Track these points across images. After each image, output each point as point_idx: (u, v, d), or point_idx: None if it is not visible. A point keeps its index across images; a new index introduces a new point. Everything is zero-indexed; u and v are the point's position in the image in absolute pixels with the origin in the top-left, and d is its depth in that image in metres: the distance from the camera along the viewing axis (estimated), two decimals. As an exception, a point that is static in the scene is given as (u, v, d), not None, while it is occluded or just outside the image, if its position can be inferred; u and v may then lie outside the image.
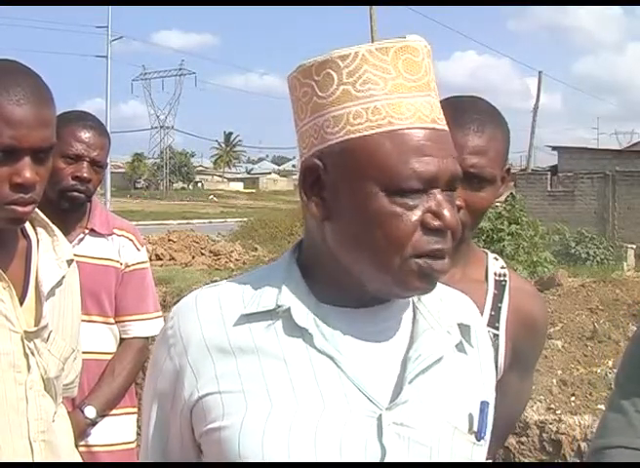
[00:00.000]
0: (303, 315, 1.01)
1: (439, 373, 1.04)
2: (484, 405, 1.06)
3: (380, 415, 0.98)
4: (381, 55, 0.99)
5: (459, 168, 1.00)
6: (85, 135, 2.29)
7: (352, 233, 1.00)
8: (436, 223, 0.97)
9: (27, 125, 1.40)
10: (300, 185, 1.03)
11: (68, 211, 2.30)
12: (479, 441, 1.04)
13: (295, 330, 1.00)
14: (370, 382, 1.00)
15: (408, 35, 1.01)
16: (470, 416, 1.05)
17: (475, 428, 1.04)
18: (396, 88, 0.98)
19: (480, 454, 1.05)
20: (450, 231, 0.98)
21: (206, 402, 1.00)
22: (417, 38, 1.01)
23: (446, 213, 0.97)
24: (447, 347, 1.06)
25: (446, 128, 1.01)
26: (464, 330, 1.09)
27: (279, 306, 1.01)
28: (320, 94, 1.01)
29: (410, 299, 1.08)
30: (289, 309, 1.01)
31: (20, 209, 1.42)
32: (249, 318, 1.02)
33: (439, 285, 1.13)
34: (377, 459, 0.97)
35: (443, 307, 1.09)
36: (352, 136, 0.98)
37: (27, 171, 1.40)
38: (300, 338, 1.00)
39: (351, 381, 0.99)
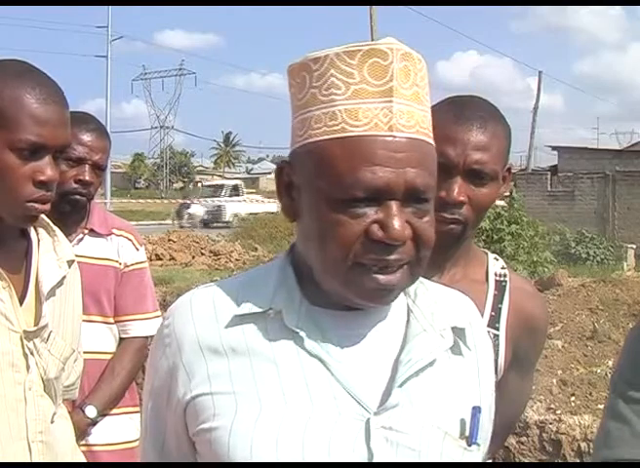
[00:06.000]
0: (294, 318, 1.00)
1: (431, 377, 1.03)
2: (476, 410, 1.05)
3: (369, 419, 0.98)
4: (348, 58, 0.97)
5: (421, 179, 0.96)
6: (87, 138, 2.29)
7: (307, 236, 1.01)
8: (379, 234, 0.95)
9: (53, 124, 1.43)
10: (276, 185, 1.05)
11: (69, 212, 2.30)
12: (470, 446, 1.03)
13: (286, 332, 1.00)
14: (360, 385, 0.99)
15: (385, 38, 0.99)
16: (462, 421, 1.03)
17: (467, 433, 1.03)
18: (357, 93, 0.97)
19: (472, 459, 1.04)
20: (399, 243, 0.95)
21: (198, 402, 1.00)
22: (390, 41, 0.98)
23: (394, 224, 0.94)
24: (439, 351, 1.05)
25: (414, 135, 0.97)
26: (459, 333, 1.08)
27: (271, 308, 1.01)
28: (298, 96, 1.02)
29: (404, 302, 1.08)
30: (280, 311, 1.01)
31: (39, 206, 1.45)
32: (242, 319, 1.02)
33: (436, 286, 1.13)
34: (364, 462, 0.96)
35: (437, 310, 1.08)
36: (310, 140, 0.99)
37: (50, 169, 1.43)
38: (291, 341, 1.00)
39: (341, 384, 0.98)
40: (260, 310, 1.01)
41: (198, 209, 31.39)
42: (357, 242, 0.95)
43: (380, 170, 0.94)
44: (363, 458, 0.97)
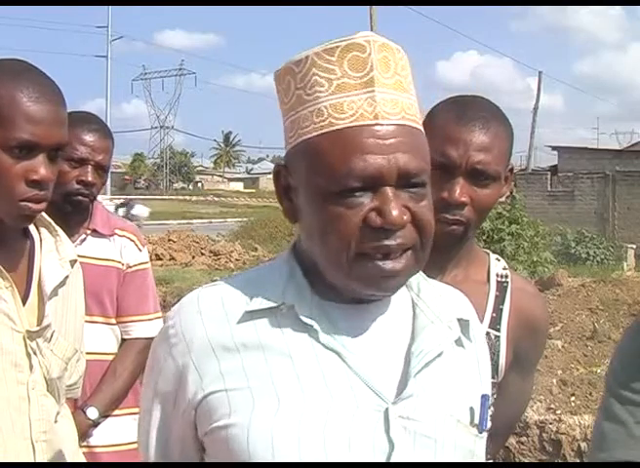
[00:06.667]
0: (307, 312, 1.01)
1: (440, 368, 1.05)
2: (485, 398, 1.08)
3: (387, 409, 0.99)
4: (328, 56, 1.00)
5: (413, 163, 0.97)
6: (90, 138, 2.27)
7: (310, 234, 1.02)
8: (378, 221, 0.96)
9: (47, 122, 1.42)
10: (275, 189, 1.07)
11: (71, 213, 2.30)
12: (481, 433, 1.06)
13: (300, 326, 1.01)
14: (375, 377, 1.01)
15: (360, 32, 1.01)
16: (472, 409, 1.06)
17: (477, 421, 1.06)
18: (340, 87, 0.99)
19: (482, 446, 1.08)
20: (398, 228, 0.96)
21: (211, 400, 0.99)
22: (366, 34, 1.00)
23: (391, 210, 0.96)
24: (447, 342, 1.07)
25: (400, 122, 0.99)
26: (464, 324, 1.10)
27: (283, 303, 1.02)
28: (285, 100, 1.05)
29: (409, 296, 1.10)
30: (293, 306, 1.01)
31: (33, 206, 1.44)
32: (252, 315, 1.02)
33: (436, 282, 1.15)
34: (385, 453, 0.98)
35: (442, 303, 1.10)
36: (300, 139, 1.01)
37: (43, 168, 1.43)
38: (306, 334, 1.01)
39: (358, 376, 1.00)
40: (272, 305, 1.02)
41: (142, 209, 29.23)
42: (357, 232, 0.97)
43: (371, 157, 0.96)
44: (384, 449, 0.98)
